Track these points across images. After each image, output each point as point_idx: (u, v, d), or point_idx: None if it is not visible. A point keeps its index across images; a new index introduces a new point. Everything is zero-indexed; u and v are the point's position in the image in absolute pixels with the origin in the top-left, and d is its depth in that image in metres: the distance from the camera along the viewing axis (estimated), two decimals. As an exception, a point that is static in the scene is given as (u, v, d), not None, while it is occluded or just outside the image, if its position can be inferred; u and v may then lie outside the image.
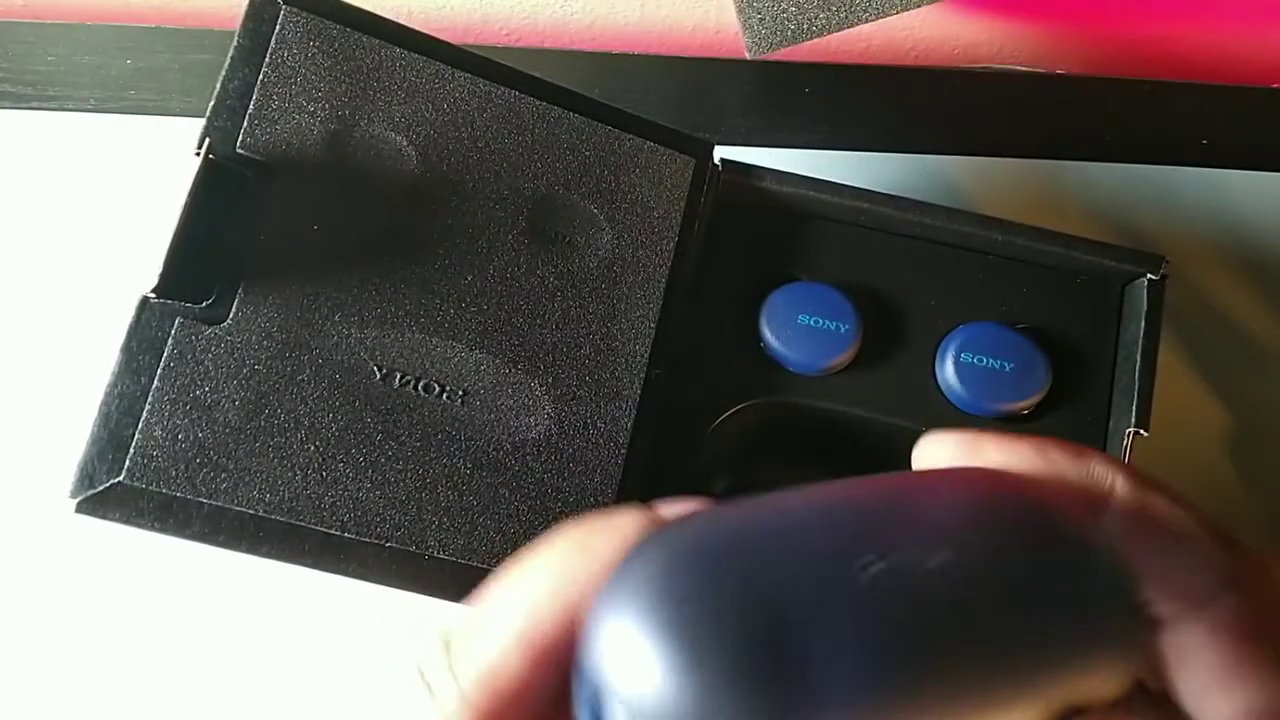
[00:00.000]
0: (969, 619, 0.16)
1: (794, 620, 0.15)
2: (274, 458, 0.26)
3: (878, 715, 0.15)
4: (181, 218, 0.26)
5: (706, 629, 0.14)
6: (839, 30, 0.40)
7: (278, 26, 0.29)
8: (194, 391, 0.26)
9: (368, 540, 0.27)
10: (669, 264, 0.31)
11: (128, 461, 0.25)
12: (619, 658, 0.15)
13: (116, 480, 0.25)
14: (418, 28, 0.30)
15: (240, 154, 0.28)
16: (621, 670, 0.15)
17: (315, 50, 0.29)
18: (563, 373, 0.30)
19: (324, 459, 0.27)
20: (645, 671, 0.15)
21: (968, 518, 0.17)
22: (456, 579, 0.28)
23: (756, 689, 0.14)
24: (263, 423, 0.27)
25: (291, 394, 0.27)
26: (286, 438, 0.27)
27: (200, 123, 0.28)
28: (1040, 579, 0.17)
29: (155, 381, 0.26)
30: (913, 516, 0.17)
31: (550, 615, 0.17)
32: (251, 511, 0.26)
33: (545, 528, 0.29)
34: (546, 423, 0.29)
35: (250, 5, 0.29)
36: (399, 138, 0.29)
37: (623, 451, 0.30)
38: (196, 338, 0.27)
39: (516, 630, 0.17)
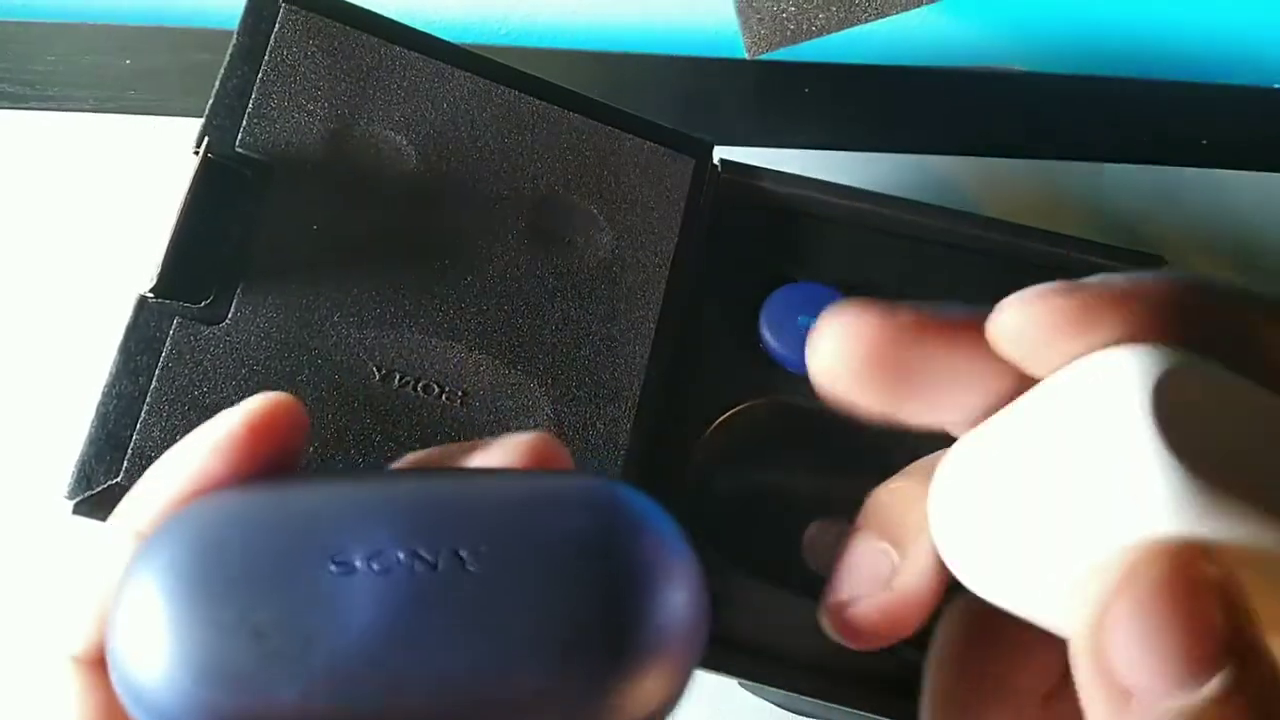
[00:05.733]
0: (430, 641, 0.15)
1: (260, 618, 0.15)
2: (273, 458, 0.26)
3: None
4: (180, 217, 0.26)
5: (188, 617, 0.15)
6: (839, 30, 0.40)
7: (277, 25, 0.29)
8: (192, 392, 0.26)
9: (367, 541, 0.27)
10: (669, 264, 0.31)
11: (125, 462, 0.25)
12: (117, 624, 0.16)
13: (114, 481, 0.25)
14: (417, 26, 0.30)
15: (239, 153, 0.28)
16: (118, 634, 0.16)
17: (315, 49, 0.29)
18: (562, 373, 0.30)
19: (323, 459, 0.27)
20: (132, 645, 0.16)
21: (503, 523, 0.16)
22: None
23: (212, 679, 0.15)
24: (261, 423, 0.26)
25: (290, 394, 0.27)
26: (285, 438, 0.27)
27: (200, 123, 0.28)
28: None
29: (153, 382, 0.26)
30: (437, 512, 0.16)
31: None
32: (250, 512, 0.26)
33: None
34: (546, 423, 0.29)
35: (249, 3, 0.29)
36: (398, 137, 0.29)
37: (622, 452, 0.30)
38: (195, 338, 0.26)
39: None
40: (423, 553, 0.16)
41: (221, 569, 0.16)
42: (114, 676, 0.16)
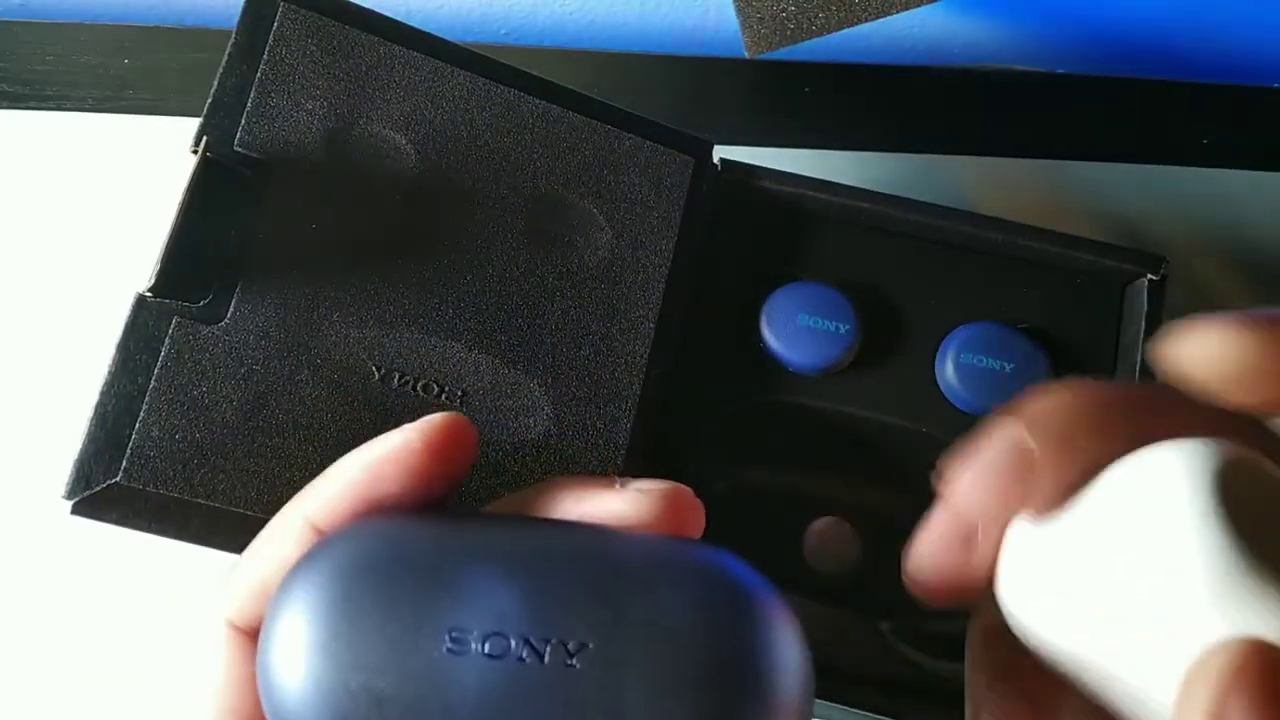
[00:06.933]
0: None
1: (381, 686, 0.16)
2: (272, 458, 0.26)
3: None
4: (178, 216, 0.26)
5: (318, 670, 0.16)
6: (839, 30, 0.39)
7: (276, 23, 0.28)
8: (191, 391, 0.26)
9: (366, 541, 0.27)
10: (669, 264, 0.31)
11: (124, 462, 0.25)
12: (263, 641, 0.17)
13: (113, 481, 0.25)
14: (417, 26, 0.30)
15: (238, 152, 0.28)
16: (263, 654, 0.17)
17: (314, 48, 0.29)
18: (562, 373, 0.30)
19: (322, 460, 0.27)
20: (269, 664, 0.17)
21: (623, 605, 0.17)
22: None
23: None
24: (261, 423, 0.26)
25: (290, 394, 0.27)
26: (284, 438, 0.27)
27: (198, 122, 0.27)
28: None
29: (152, 381, 0.26)
30: (558, 594, 0.17)
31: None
32: (249, 513, 0.26)
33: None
34: (545, 423, 0.29)
35: (248, 2, 0.28)
36: (398, 136, 0.29)
37: (622, 452, 0.30)
38: (194, 337, 0.26)
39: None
40: (533, 641, 0.16)
41: (359, 622, 0.16)
42: (259, 680, 0.17)
